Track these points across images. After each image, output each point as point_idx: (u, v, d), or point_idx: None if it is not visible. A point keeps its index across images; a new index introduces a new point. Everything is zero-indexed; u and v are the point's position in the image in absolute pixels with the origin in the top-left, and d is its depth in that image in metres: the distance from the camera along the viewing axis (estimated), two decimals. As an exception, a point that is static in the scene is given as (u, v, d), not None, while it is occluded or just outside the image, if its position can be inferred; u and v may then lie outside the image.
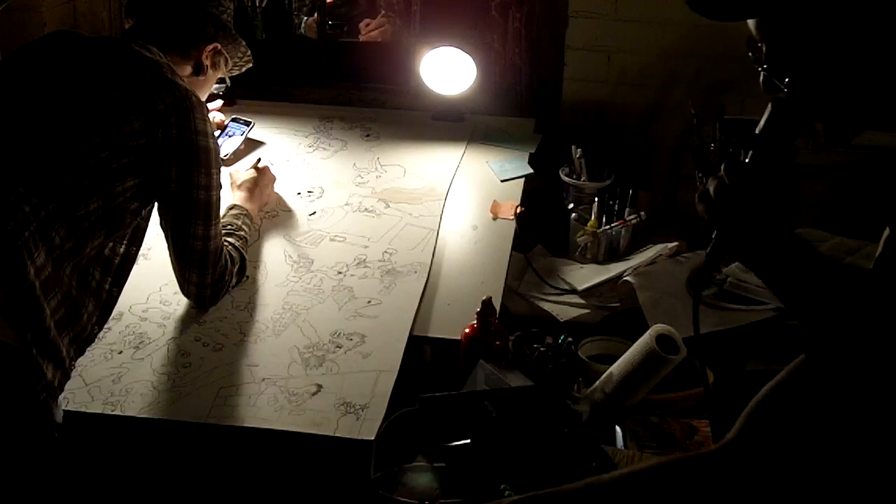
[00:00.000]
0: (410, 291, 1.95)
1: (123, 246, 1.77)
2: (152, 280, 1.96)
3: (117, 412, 1.65)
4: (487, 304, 1.74)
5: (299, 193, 2.29)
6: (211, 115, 2.06)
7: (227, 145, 2.41)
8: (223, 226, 1.94)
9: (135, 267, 1.81)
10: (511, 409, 1.53)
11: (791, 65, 1.01)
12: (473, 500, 1.41)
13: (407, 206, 2.24)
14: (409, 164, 2.43)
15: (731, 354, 1.86)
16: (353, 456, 1.56)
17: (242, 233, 2.01)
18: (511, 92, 2.80)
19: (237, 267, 1.93)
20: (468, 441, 1.47)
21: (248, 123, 2.48)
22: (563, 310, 2.04)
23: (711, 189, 1.09)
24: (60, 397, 1.60)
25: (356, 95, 2.85)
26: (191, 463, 1.66)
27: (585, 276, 2.15)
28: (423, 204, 2.25)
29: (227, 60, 2.05)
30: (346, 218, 2.20)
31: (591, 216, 2.27)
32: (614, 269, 2.15)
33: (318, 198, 2.28)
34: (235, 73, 2.15)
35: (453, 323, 1.84)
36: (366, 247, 2.09)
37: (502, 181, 2.38)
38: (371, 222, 2.18)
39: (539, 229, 2.32)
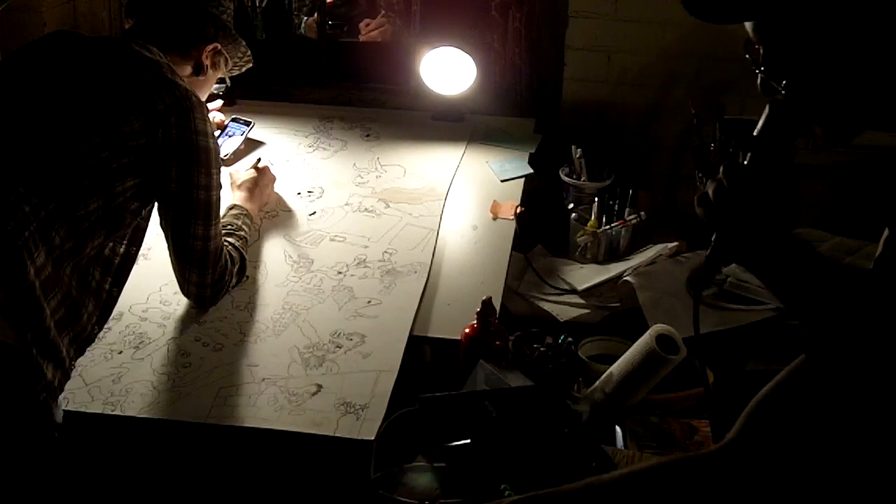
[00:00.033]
0: (410, 291, 1.95)
1: (123, 246, 1.77)
2: (152, 280, 1.96)
3: (117, 412, 1.65)
4: (487, 304, 1.74)
5: (299, 193, 2.29)
6: (211, 115, 2.06)
7: (227, 145, 2.41)
8: (223, 226, 1.94)
9: (135, 267, 1.81)
10: (511, 409, 1.53)
11: (788, 67, 1.02)
12: (473, 500, 1.41)
13: (407, 206, 2.24)
14: (409, 164, 2.43)
15: (731, 354, 1.86)
16: (353, 456, 1.56)
17: (242, 233, 2.01)
18: (511, 92, 2.81)
19: (237, 267, 1.93)
20: (468, 441, 1.47)
21: (248, 123, 2.48)
22: (563, 310, 2.04)
23: (710, 192, 1.09)
24: (60, 397, 1.60)
25: (356, 95, 2.85)
26: (191, 463, 1.66)
27: (585, 276, 2.15)
28: (423, 204, 2.25)
29: (227, 60, 2.05)
30: (346, 218, 2.20)
31: (591, 216, 2.27)
32: (614, 269, 2.14)
33: (318, 198, 2.28)
34: (235, 73, 2.15)
35: (453, 323, 1.84)
36: (366, 247, 2.09)
37: (502, 181, 2.38)
38: (371, 222, 2.18)
39: (539, 229, 2.32)
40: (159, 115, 1.73)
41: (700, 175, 2.26)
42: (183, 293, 1.89)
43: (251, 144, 2.48)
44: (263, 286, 1.97)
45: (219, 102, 2.55)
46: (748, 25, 1.04)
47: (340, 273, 2.01)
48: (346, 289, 1.96)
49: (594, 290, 2.09)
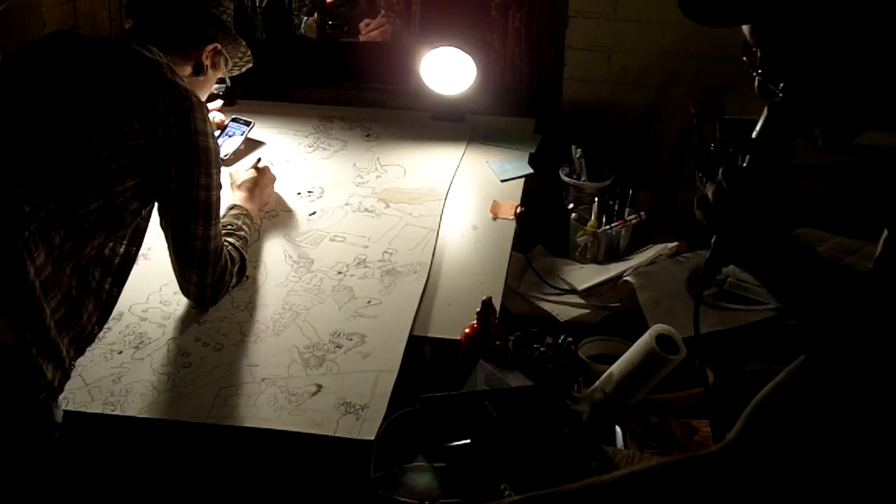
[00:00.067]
0: (410, 291, 1.95)
1: (123, 246, 1.77)
2: (152, 280, 1.96)
3: (117, 412, 1.65)
4: (487, 304, 1.74)
5: (299, 193, 2.29)
6: (211, 115, 2.06)
7: (227, 145, 2.41)
8: (223, 226, 1.94)
9: (135, 267, 1.81)
10: (511, 409, 1.53)
11: (785, 70, 1.02)
12: (473, 500, 1.41)
13: (407, 206, 2.24)
14: (409, 164, 2.43)
15: (731, 354, 1.86)
16: (353, 456, 1.56)
17: (242, 233, 2.01)
18: (511, 92, 2.80)
19: (237, 267, 1.93)
20: (468, 441, 1.47)
21: (248, 123, 2.48)
22: (563, 310, 2.04)
23: (710, 194, 1.09)
24: (60, 397, 1.60)
25: (356, 95, 2.85)
26: (191, 463, 1.66)
27: (585, 276, 2.15)
28: (423, 204, 2.25)
29: (227, 60, 2.05)
30: (346, 218, 2.20)
31: (591, 216, 2.27)
32: (614, 269, 2.15)
33: (318, 198, 2.28)
34: (235, 73, 2.15)
35: (453, 323, 1.84)
36: (366, 247, 2.09)
37: (502, 181, 2.38)
38: (371, 222, 2.18)
39: (539, 229, 2.32)
40: (159, 115, 1.73)
41: (700, 175, 2.26)
42: (183, 293, 1.89)
43: (251, 144, 2.48)
44: (263, 286, 1.97)
45: (219, 102, 2.55)
46: (745, 29, 1.04)
47: (340, 273, 2.01)
48: (346, 289, 1.96)
49: (594, 290, 2.09)
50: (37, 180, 1.58)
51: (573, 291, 2.10)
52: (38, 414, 1.52)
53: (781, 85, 1.02)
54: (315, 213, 2.22)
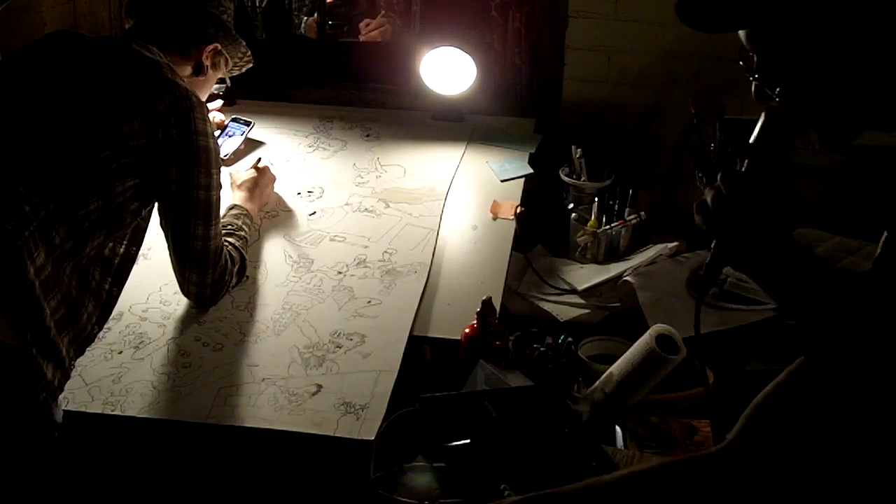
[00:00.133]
0: (410, 291, 1.95)
1: (123, 246, 1.77)
2: (152, 280, 1.96)
3: (117, 412, 1.65)
4: (487, 304, 1.74)
5: (299, 193, 2.29)
6: (211, 115, 2.06)
7: (227, 145, 2.41)
8: (223, 226, 1.94)
9: (135, 267, 1.81)
10: (511, 409, 1.53)
11: (782, 74, 1.02)
12: (473, 500, 1.41)
13: (407, 206, 2.24)
14: (409, 164, 2.43)
15: (731, 354, 1.86)
16: (353, 456, 1.56)
17: (242, 233, 2.01)
18: (511, 92, 2.80)
19: (237, 267, 1.93)
20: (468, 441, 1.47)
21: (248, 123, 2.48)
22: (563, 310, 2.04)
23: (709, 199, 1.09)
24: (60, 397, 1.60)
25: (356, 95, 2.85)
26: (191, 463, 1.66)
27: (585, 276, 2.15)
28: (423, 204, 2.25)
29: (227, 61, 2.05)
30: (346, 218, 2.20)
31: (591, 216, 2.27)
32: (614, 269, 2.15)
33: (318, 198, 2.28)
34: (235, 73, 2.15)
35: (453, 323, 1.84)
36: (366, 247, 2.09)
37: (502, 181, 2.38)
38: (371, 222, 2.18)
39: (539, 229, 2.32)
40: (159, 115, 1.73)
41: (700, 175, 2.26)
42: (183, 293, 1.89)
43: (251, 144, 2.48)
44: (263, 286, 1.97)
45: (219, 102, 2.55)
46: (742, 33, 1.04)
47: (340, 273, 2.01)
48: (346, 289, 1.96)
49: (594, 290, 2.09)
50: (37, 180, 1.58)
51: (573, 291, 2.10)
52: (38, 414, 1.52)
53: (778, 90, 1.02)
54: (315, 213, 2.22)
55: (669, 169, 2.74)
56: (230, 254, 1.92)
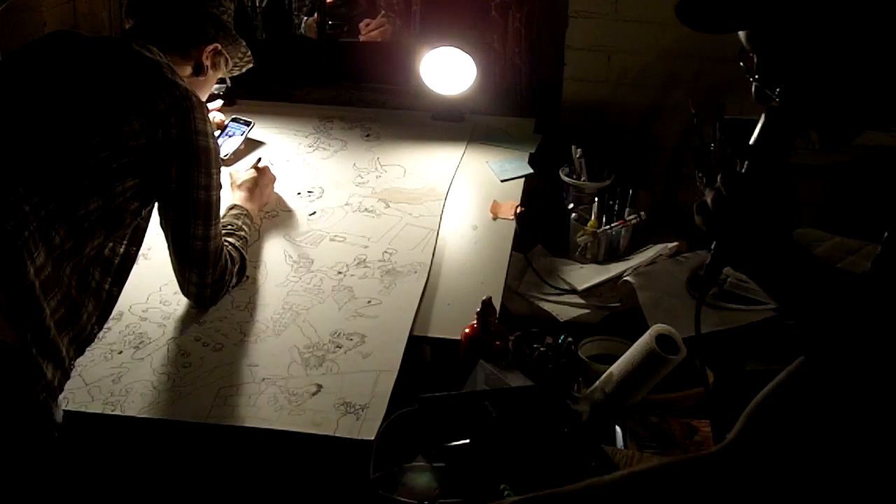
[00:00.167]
0: (410, 291, 1.95)
1: (123, 246, 1.77)
2: (152, 280, 1.96)
3: (117, 412, 1.65)
4: (487, 304, 1.74)
5: (299, 193, 2.29)
6: (211, 115, 2.06)
7: (227, 145, 2.41)
8: (223, 226, 1.94)
9: (135, 267, 1.81)
10: (511, 409, 1.53)
11: (782, 74, 1.02)
12: (473, 501, 1.41)
13: (407, 206, 2.24)
14: (409, 164, 2.43)
15: (731, 354, 1.86)
16: (353, 456, 1.56)
17: (242, 233, 2.01)
18: (511, 92, 2.80)
19: (237, 267, 1.93)
20: (468, 441, 1.47)
21: (248, 123, 2.48)
22: (563, 310, 2.04)
23: (709, 200, 1.09)
24: (60, 397, 1.60)
25: (356, 95, 2.85)
26: (191, 463, 1.66)
27: (585, 276, 2.15)
28: (423, 204, 2.25)
29: (227, 61, 2.05)
30: (346, 218, 2.20)
31: (591, 216, 2.27)
32: (614, 269, 2.15)
33: (318, 198, 2.28)
34: (236, 73, 2.15)
35: (453, 323, 1.84)
36: (366, 247, 2.09)
37: (502, 181, 2.38)
38: (371, 222, 2.18)
39: (539, 229, 2.32)
40: (159, 115, 1.73)
41: (700, 175, 2.26)
42: (183, 293, 1.89)
43: (251, 144, 2.48)
44: (263, 286, 1.97)
45: (219, 102, 2.55)
46: (742, 34, 1.04)
47: (340, 273, 2.01)
48: (346, 289, 1.96)
49: (594, 290, 2.09)
50: (37, 180, 1.58)
51: (573, 291, 2.10)
52: (38, 414, 1.52)
53: (778, 90, 1.02)
54: (315, 213, 2.22)
55: (669, 169, 2.74)
56: (230, 254, 1.92)
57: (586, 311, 2.04)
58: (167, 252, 1.86)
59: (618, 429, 1.65)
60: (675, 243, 2.19)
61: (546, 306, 2.05)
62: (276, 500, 1.64)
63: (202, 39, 1.96)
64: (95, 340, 1.75)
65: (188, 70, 1.95)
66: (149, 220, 1.83)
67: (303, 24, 3.19)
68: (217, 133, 2.35)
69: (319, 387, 1.70)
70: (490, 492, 1.39)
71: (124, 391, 1.69)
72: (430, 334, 1.86)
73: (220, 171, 1.88)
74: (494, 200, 2.27)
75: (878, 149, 2.38)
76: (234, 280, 1.93)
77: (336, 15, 3.11)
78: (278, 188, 2.27)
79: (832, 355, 1.01)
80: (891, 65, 0.96)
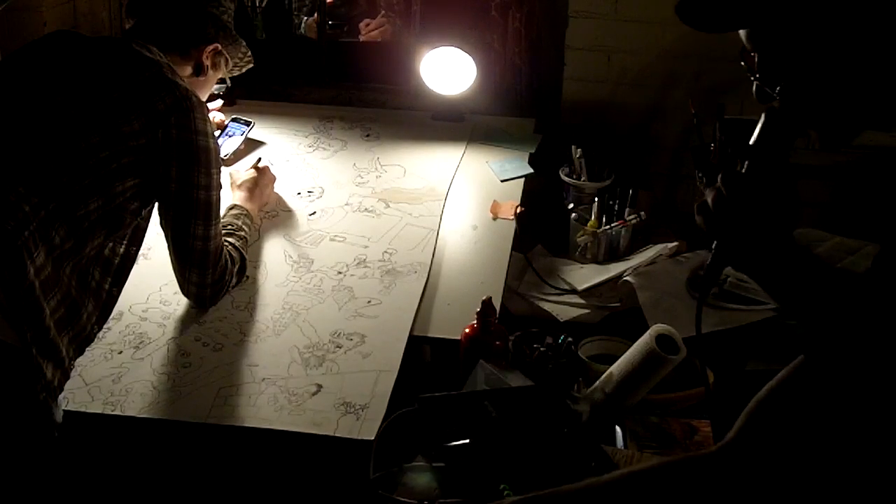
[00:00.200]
0: (410, 291, 1.95)
1: (123, 246, 1.77)
2: (152, 280, 1.96)
3: (117, 412, 1.65)
4: (487, 304, 1.74)
5: (299, 193, 2.29)
6: (211, 115, 2.06)
7: (227, 145, 2.41)
8: (223, 226, 1.94)
9: (135, 267, 1.81)
10: (511, 409, 1.53)
11: (782, 73, 1.02)
12: (473, 501, 1.41)
13: (407, 206, 2.24)
14: (409, 164, 2.43)
15: (731, 354, 1.86)
16: (353, 456, 1.56)
17: (242, 233, 2.01)
18: (511, 92, 2.80)
19: (237, 267, 1.93)
20: (468, 441, 1.47)
21: (248, 123, 2.48)
22: (563, 310, 2.04)
23: (709, 200, 1.09)
24: (60, 397, 1.60)
25: (356, 95, 2.85)
26: (191, 463, 1.66)
27: (585, 276, 2.15)
28: (423, 204, 2.25)
29: (227, 61, 2.05)
30: (346, 218, 2.20)
31: (591, 216, 2.27)
32: (614, 269, 2.15)
33: (318, 198, 2.28)
34: (236, 73, 2.15)
35: (453, 323, 1.84)
36: (366, 247, 2.09)
37: (502, 181, 2.38)
38: (371, 222, 2.18)
39: (539, 229, 2.32)
40: (159, 115, 1.73)
41: (700, 175, 2.26)
42: (183, 293, 1.89)
43: (251, 144, 2.48)
44: (263, 286, 1.97)
45: (219, 102, 2.55)
46: (742, 33, 1.04)
47: (340, 273, 2.01)
48: (346, 289, 1.96)
49: (594, 290, 2.09)
50: (37, 180, 1.59)
51: (573, 291, 2.10)
52: (38, 414, 1.52)
53: (778, 89, 1.02)
54: (315, 213, 2.22)
55: (669, 169, 2.74)
56: (230, 254, 1.92)
57: (586, 311, 2.04)
58: (167, 252, 1.86)
59: (618, 429, 1.65)
60: (675, 243, 2.20)
61: (546, 306, 2.05)
62: (276, 500, 1.64)
63: (202, 39, 1.96)
64: (95, 340, 1.75)
65: (188, 70, 1.95)
66: (149, 220, 1.83)
67: (303, 24, 3.19)
68: (217, 133, 2.35)
69: (319, 387, 1.70)
70: (490, 492, 1.39)
71: (124, 391, 1.69)
72: (430, 334, 1.86)
73: (220, 171, 1.88)
74: (494, 200, 2.27)
75: (878, 149, 2.38)
76: (234, 280, 1.93)
77: (336, 15, 3.11)
78: (278, 188, 2.27)
79: (832, 354, 1.01)
80: (891, 64, 0.96)
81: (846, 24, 0.96)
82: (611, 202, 2.31)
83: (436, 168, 2.41)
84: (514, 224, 2.20)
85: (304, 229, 2.16)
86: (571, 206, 2.36)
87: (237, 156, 2.42)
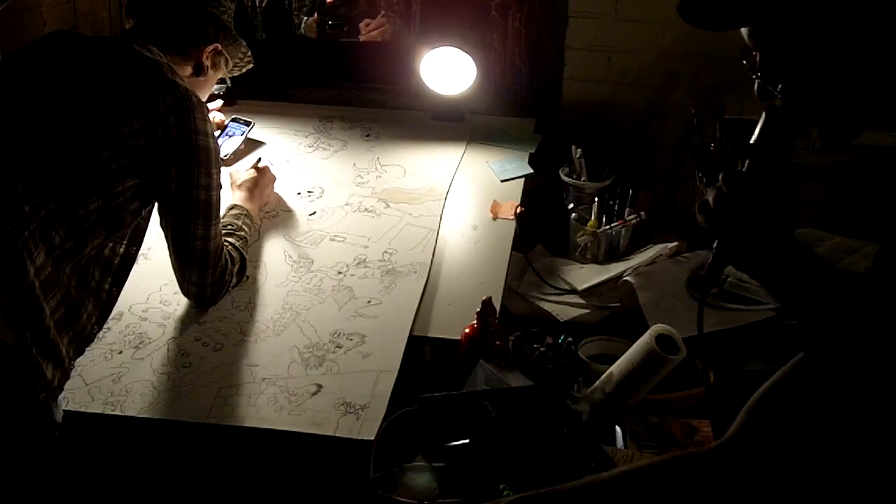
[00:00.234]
0: (410, 291, 1.95)
1: (123, 246, 1.77)
2: (152, 280, 1.96)
3: (117, 412, 1.65)
4: (487, 304, 1.74)
5: (299, 193, 2.29)
6: (211, 115, 2.06)
7: (227, 145, 2.41)
8: (223, 226, 1.94)
9: (135, 267, 1.82)
10: (511, 409, 1.53)
11: (784, 72, 1.02)
12: (473, 500, 1.41)
13: (407, 206, 2.24)
14: (409, 164, 2.43)
15: (731, 354, 1.86)
16: (352, 456, 1.56)
17: (242, 233, 2.01)
18: (511, 92, 2.80)
19: (237, 267, 1.93)
20: (467, 441, 1.47)
21: (248, 123, 2.48)
22: (563, 310, 2.04)
23: (710, 199, 1.09)
24: (60, 397, 1.60)
25: (356, 95, 2.85)
26: (191, 463, 1.66)
27: (585, 276, 2.15)
28: (423, 204, 2.25)
29: (227, 61, 2.05)
30: (346, 218, 2.20)
31: (591, 216, 2.27)
32: (614, 269, 2.14)
33: (318, 198, 2.28)
34: (236, 73, 2.15)
35: (453, 323, 1.84)
36: (366, 247, 2.09)
37: (502, 181, 2.38)
38: (371, 222, 2.18)
39: (539, 229, 2.32)
40: (159, 115, 1.73)
41: (700, 175, 2.26)
42: (183, 293, 1.89)
43: (251, 144, 2.48)
44: (263, 286, 1.97)
45: (219, 102, 2.55)
46: (744, 31, 1.04)
47: (340, 273, 2.01)
48: (346, 289, 1.96)
49: (594, 290, 2.09)
50: (37, 180, 1.59)
51: (573, 291, 2.10)
52: (38, 414, 1.52)
53: (779, 87, 1.02)
54: (315, 213, 2.22)
55: (669, 169, 2.74)
56: (230, 254, 1.92)
57: (586, 311, 2.04)
58: (167, 252, 1.86)
59: (618, 429, 1.65)
60: (675, 243, 2.19)
61: (546, 306, 2.05)
62: (276, 500, 1.64)
63: (202, 39, 1.96)
64: (95, 340, 1.75)
65: (188, 70, 1.95)
66: (149, 220, 1.83)
67: (303, 24, 3.19)
68: (217, 133, 2.35)
69: (319, 387, 1.70)
70: (490, 492, 1.39)
71: (124, 391, 1.69)
72: (430, 334, 1.86)
73: (220, 171, 1.88)
74: (494, 200, 2.27)
75: (878, 149, 2.38)
76: (234, 280, 1.93)
77: (336, 15, 3.11)
78: (278, 188, 2.27)
79: (832, 353, 1.01)
80: (892, 63, 0.96)
81: (847, 23, 0.96)
82: (611, 202, 2.31)
83: (436, 168, 2.41)
84: (514, 224, 2.20)
85: (304, 229, 2.16)
86: (571, 206, 2.36)
87: (237, 156, 2.42)
